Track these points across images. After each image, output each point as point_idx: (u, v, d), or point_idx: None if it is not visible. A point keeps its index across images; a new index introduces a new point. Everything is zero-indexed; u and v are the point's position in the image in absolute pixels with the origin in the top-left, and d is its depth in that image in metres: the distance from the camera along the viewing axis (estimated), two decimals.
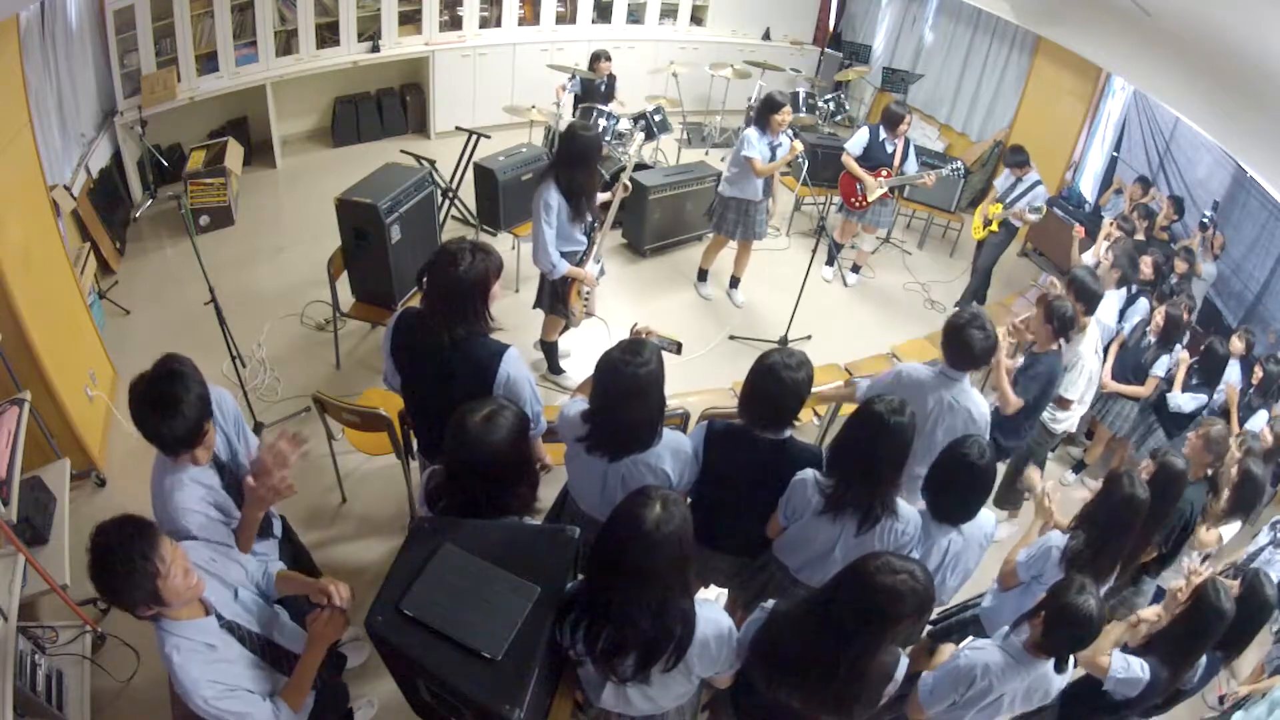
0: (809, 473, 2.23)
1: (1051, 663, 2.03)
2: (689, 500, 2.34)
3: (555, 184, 3.40)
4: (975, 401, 2.71)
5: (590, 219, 3.67)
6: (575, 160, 3.37)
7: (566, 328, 4.13)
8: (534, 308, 3.96)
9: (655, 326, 2.46)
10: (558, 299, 3.80)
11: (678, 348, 2.48)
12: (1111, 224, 5.01)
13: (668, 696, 1.84)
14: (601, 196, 3.88)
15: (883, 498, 2.14)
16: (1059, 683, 2.08)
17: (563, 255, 3.57)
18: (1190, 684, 2.49)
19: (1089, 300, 3.44)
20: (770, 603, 1.85)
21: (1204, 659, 2.42)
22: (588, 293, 3.86)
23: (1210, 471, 3.16)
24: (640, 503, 1.57)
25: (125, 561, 1.49)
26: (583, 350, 4.58)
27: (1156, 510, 2.51)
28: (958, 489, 2.27)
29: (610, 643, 1.65)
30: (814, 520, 2.19)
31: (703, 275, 5.36)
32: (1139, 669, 2.30)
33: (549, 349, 4.28)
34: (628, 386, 2.04)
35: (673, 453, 2.22)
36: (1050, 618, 1.97)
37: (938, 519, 2.32)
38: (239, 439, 2.11)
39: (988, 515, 2.38)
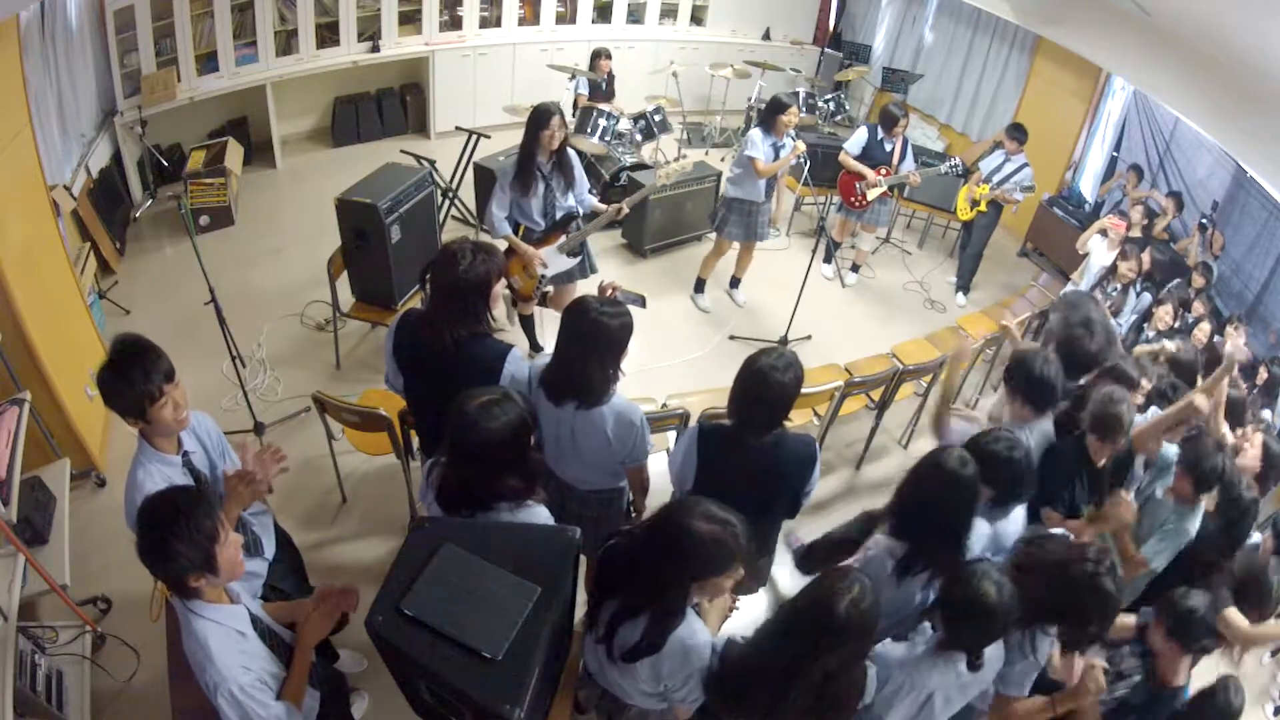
0: (882, 541, 2.09)
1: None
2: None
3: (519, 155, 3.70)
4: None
5: (550, 211, 3.77)
6: (527, 131, 3.63)
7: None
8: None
9: (623, 283, 2.51)
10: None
11: (643, 301, 2.51)
12: (1110, 218, 5.03)
13: (633, 685, 1.85)
14: (600, 205, 3.91)
15: (956, 552, 1.99)
16: (994, 664, 1.87)
17: (520, 235, 3.79)
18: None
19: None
20: (726, 636, 1.85)
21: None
22: (544, 282, 3.93)
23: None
24: (692, 517, 1.62)
25: (188, 522, 1.49)
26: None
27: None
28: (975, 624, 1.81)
29: (616, 611, 1.74)
30: (886, 586, 2.00)
31: (700, 286, 5.23)
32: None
33: (525, 324, 4.37)
34: (590, 330, 2.12)
35: (616, 417, 2.24)
36: (949, 615, 1.80)
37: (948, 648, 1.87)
38: (221, 459, 2.11)
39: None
